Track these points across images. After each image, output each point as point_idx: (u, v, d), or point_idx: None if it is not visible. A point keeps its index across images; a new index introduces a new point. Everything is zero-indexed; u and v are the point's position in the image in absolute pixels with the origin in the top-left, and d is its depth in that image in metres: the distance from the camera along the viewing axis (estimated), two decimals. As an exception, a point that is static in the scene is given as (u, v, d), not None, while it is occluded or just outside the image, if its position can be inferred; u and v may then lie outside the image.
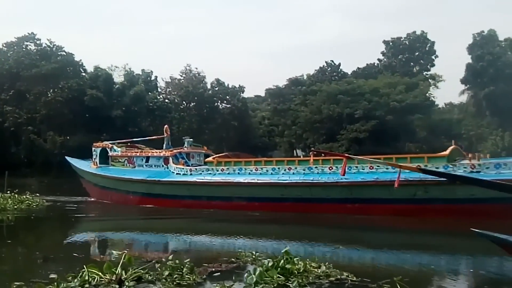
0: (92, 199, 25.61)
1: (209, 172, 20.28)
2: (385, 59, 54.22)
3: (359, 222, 15.23)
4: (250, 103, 58.60)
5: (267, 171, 18.61)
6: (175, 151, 23.21)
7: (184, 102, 51.34)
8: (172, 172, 21.77)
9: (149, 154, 23.81)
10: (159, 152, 23.58)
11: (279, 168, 18.69)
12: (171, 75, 52.31)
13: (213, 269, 7.49)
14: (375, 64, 55.11)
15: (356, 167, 17.04)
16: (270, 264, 7.02)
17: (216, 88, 51.96)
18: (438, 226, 13.95)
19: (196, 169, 21.10)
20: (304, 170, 18.00)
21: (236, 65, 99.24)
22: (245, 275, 6.85)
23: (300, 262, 7.24)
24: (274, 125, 53.53)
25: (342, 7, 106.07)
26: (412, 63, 52.77)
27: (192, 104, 51.13)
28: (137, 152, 24.81)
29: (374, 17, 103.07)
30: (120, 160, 24.85)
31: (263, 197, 18.62)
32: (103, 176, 24.39)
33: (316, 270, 7.17)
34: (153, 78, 51.10)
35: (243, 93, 53.10)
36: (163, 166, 22.68)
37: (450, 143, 17.71)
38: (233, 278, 6.88)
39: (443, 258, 10.56)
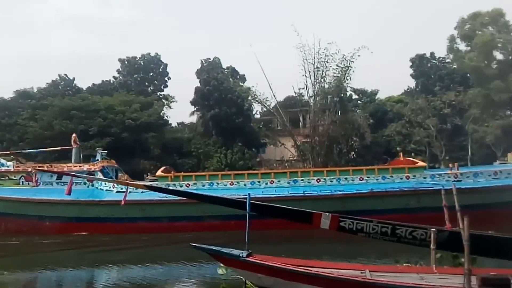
0: None
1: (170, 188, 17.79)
2: (120, 77, 54.59)
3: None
4: (-34, 115, 50.94)
5: (245, 185, 17.00)
6: (99, 164, 20.28)
7: None
8: (108, 190, 18.46)
9: (64, 169, 19.93)
10: (79, 167, 20.12)
11: (259, 182, 17.50)
12: None
13: None
14: (111, 82, 54.94)
15: (346, 178, 17.07)
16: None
17: None
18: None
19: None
20: (289, 182, 17.28)
21: None
22: None
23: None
24: (-4, 141, 47.74)
25: (76, 21, 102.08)
26: (147, 83, 54.58)
27: None
28: (42, 166, 21.09)
29: (108, 34, 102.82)
30: (13, 177, 20.30)
31: (242, 215, 16.45)
32: None
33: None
34: None
35: (-45, 105, 46.03)
36: (85, 183, 19.05)
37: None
38: None
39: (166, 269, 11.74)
